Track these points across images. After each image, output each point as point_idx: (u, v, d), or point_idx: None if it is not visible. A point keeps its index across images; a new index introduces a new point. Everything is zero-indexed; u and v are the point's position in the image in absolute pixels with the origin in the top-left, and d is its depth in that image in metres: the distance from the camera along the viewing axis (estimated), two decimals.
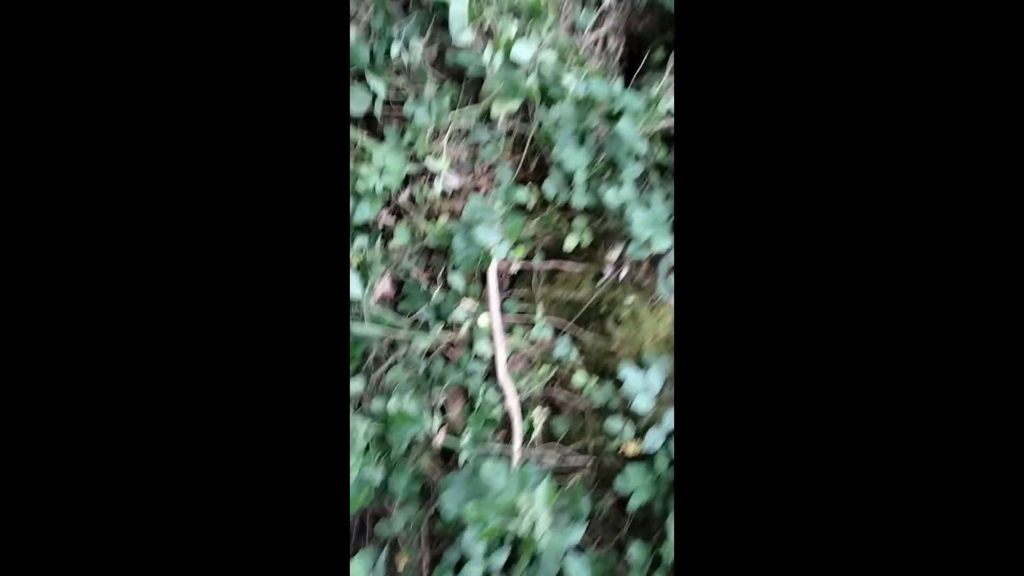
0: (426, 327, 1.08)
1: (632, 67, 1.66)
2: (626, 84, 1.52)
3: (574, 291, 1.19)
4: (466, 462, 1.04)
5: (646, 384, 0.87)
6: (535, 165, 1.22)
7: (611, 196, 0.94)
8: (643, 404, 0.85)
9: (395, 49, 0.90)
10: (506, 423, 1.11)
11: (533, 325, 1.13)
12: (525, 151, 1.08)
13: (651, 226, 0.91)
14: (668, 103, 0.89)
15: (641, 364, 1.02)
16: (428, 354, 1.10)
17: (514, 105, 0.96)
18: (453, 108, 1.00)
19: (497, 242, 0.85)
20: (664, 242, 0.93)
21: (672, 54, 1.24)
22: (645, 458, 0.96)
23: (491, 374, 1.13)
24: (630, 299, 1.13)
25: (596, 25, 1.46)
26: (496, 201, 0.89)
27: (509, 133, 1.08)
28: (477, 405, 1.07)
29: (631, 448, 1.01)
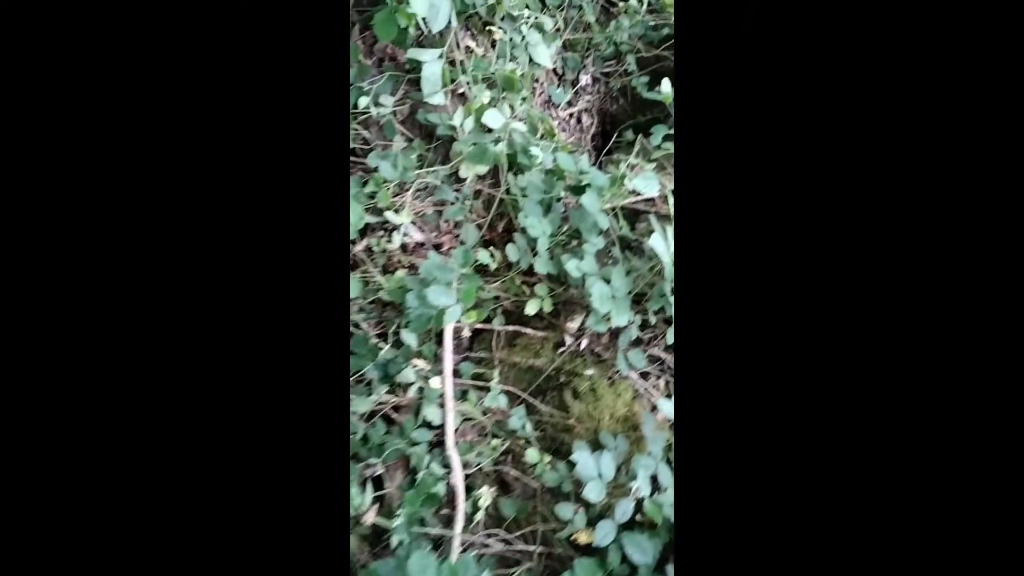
0: (369, 386, 1.00)
1: (604, 143, 1.75)
2: (597, 160, 1.59)
3: (533, 358, 1.14)
4: (400, 544, 0.92)
5: (599, 470, 0.81)
6: (503, 226, 1.21)
7: (572, 267, 0.93)
8: (594, 493, 0.78)
9: (363, 102, 0.90)
10: (449, 500, 1.00)
11: (488, 391, 1.06)
12: (492, 212, 1.07)
13: (610, 301, 0.89)
14: (633, 182, 0.91)
15: (597, 444, 0.96)
16: (369, 417, 1.01)
17: (482, 169, 0.96)
18: (421, 165, 0.99)
19: (450, 304, 0.81)
20: (623, 317, 0.90)
21: (640, 136, 1.30)
22: (598, 551, 0.87)
23: (438, 443, 1.04)
24: (589, 372, 1.09)
25: (571, 103, 1.54)
26: (456, 261, 0.86)
27: (477, 194, 1.08)
28: (419, 478, 0.97)
29: (583, 537, 0.92)
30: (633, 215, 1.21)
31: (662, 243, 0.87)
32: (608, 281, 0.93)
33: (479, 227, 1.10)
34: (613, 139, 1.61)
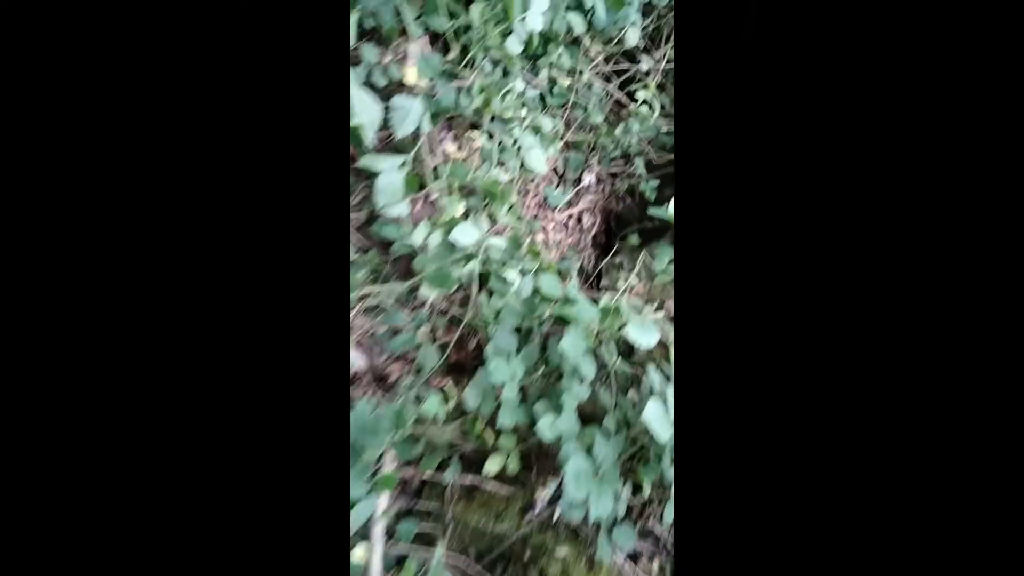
0: None
1: (608, 240, 1.60)
2: (596, 266, 1.44)
3: (494, 521, 0.91)
4: None
5: None
6: (474, 344, 1.03)
7: (545, 426, 0.73)
8: None
9: None
10: None
11: (431, 560, 0.83)
12: (456, 337, 0.89)
13: (589, 481, 0.68)
14: (628, 330, 0.73)
15: None
16: None
17: (444, 292, 0.80)
18: (375, 279, 0.83)
19: (360, 498, 0.60)
20: (605, 503, 0.68)
21: (644, 253, 1.15)
22: None
23: None
24: (562, 551, 0.85)
25: (571, 203, 1.42)
26: (386, 416, 0.66)
27: (443, 312, 0.91)
28: None
29: None
30: (627, 347, 1.02)
31: (660, 413, 0.67)
32: (589, 451, 0.72)
33: (442, 348, 0.91)
34: (617, 242, 1.47)
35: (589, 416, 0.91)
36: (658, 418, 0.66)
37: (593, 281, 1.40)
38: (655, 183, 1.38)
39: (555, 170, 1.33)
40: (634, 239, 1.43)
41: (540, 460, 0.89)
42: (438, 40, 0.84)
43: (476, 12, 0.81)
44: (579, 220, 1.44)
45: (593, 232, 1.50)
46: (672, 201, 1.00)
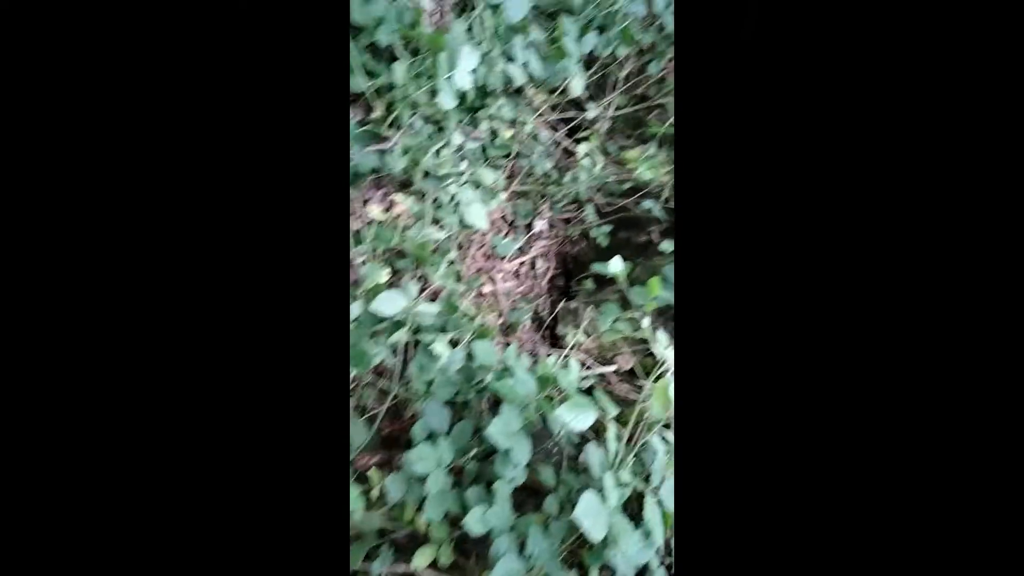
0: None
1: (567, 282, 1.57)
2: (553, 312, 1.39)
3: None
4: None
5: None
6: (410, 414, 0.96)
7: (474, 520, 0.66)
8: None
9: None
10: None
11: None
12: (385, 409, 0.82)
13: None
14: (560, 411, 0.67)
15: None
16: None
17: (361, 372, 0.73)
18: None
19: None
20: None
21: (589, 309, 1.11)
22: None
23: None
24: None
25: (523, 250, 1.38)
26: None
27: (371, 384, 0.84)
28: None
29: None
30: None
31: (594, 508, 0.61)
32: (522, 547, 0.66)
33: (371, 420, 0.84)
34: (574, 285, 1.44)
35: (532, 492, 0.85)
36: (592, 515, 0.61)
37: (549, 327, 1.36)
38: (607, 229, 1.36)
39: (504, 218, 1.30)
40: (589, 284, 1.40)
41: (478, 546, 0.81)
42: (358, 100, 0.80)
43: (400, 71, 0.78)
44: (532, 266, 1.40)
45: (549, 276, 1.46)
46: (617, 257, 0.96)
